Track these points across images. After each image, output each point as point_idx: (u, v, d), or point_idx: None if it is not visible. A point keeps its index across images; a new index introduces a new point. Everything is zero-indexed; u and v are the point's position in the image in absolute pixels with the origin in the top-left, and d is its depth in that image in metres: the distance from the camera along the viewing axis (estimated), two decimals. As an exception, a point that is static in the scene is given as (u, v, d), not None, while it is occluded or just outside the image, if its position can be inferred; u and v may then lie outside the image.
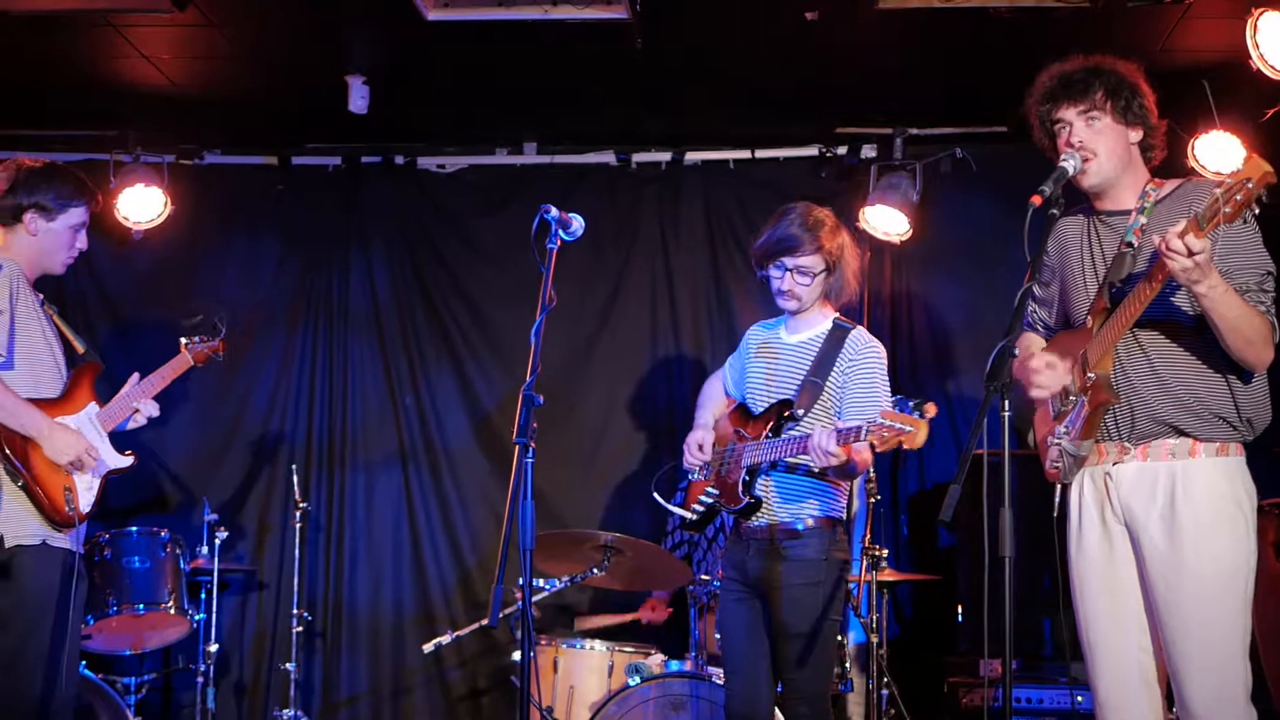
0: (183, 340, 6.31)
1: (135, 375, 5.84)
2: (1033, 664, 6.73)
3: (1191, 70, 6.91)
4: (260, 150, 8.48)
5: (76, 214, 5.51)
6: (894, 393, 5.14)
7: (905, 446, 4.62)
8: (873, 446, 4.83)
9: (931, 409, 4.59)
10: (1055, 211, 4.15)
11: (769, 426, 5.27)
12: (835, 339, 5.30)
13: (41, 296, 5.46)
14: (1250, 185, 3.70)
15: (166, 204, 7.96)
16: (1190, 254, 3.78)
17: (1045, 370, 4.32)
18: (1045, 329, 4.63)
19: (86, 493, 5.37)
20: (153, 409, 5.78)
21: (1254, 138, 6.89)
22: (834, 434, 4.86)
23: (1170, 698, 4.24)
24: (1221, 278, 3.92)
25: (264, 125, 8.24)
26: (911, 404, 4.58)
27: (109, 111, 7.83)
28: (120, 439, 5.68)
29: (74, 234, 5.53)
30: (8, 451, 5.14)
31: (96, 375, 5.60)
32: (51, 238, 5.45)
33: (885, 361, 5.34)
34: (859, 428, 4.76)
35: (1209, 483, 4.14)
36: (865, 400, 5.18)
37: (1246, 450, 4.24)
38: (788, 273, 5.32)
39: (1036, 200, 4.03)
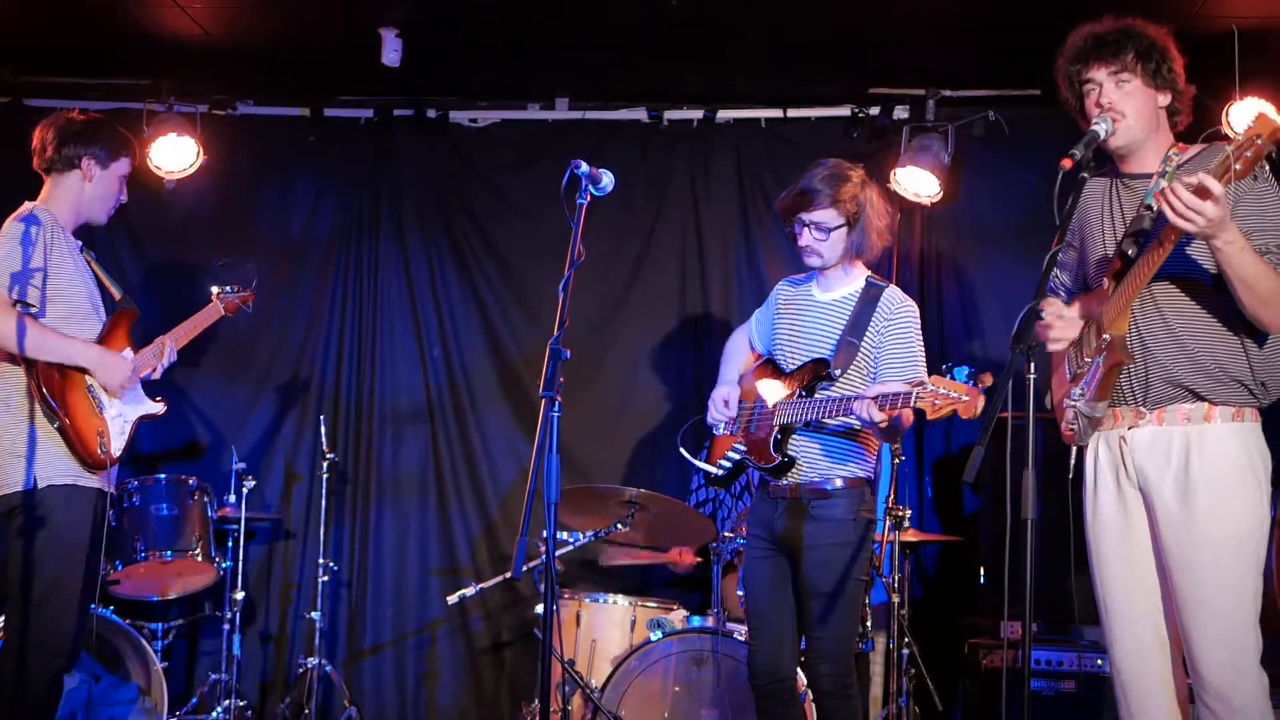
0: (214, 290, 6.39)
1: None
2: (1052, 627, 6.75)
3: (1226, 35, 6.86)
4: (293, 101, 8.48)
5: (123, 165, 5.65)
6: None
7: (962, 416, 4.59)
8: (921, 413, 4.77)
9: (988, 379, 4.60)
10: (1085, 175, 4.15)
11: (802, 384, 5.24)
12: (869, 298, 5.26)
13: (80, 243, 5.51)
14: (1260, 141, 3.72)
15: (199, 154, 7.98)
16: (1204, 197, 3.77)
17: (1057, 323, 4.36)
18: (1066, 292, 4.61)
19: (119, 437, 5.42)
20: (171, 357, 5.83)
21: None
22: (873, 403, 4.83)
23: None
24: (1241, 234, 3.93)
25: (297, 77, 8.23)
26: (968, 373, 4.58)
27: (143, 61, 7.83)
28: (150, 386, 5.74)
29: (120, 184, 5.65)
30: (45, 393, 5.18)
31: (133, 322, 5.65)
32: (103, 185, 5.56)
33: (918, 320, 5.29)
34: (907, 394, 4.74)
35: (1223, 446, 4.15)
36: (903, 361, 5.16)
37: (1263, 417, 4.25)
38: (805, 228, 5.29)
39: (1067, 163, 4.02)
